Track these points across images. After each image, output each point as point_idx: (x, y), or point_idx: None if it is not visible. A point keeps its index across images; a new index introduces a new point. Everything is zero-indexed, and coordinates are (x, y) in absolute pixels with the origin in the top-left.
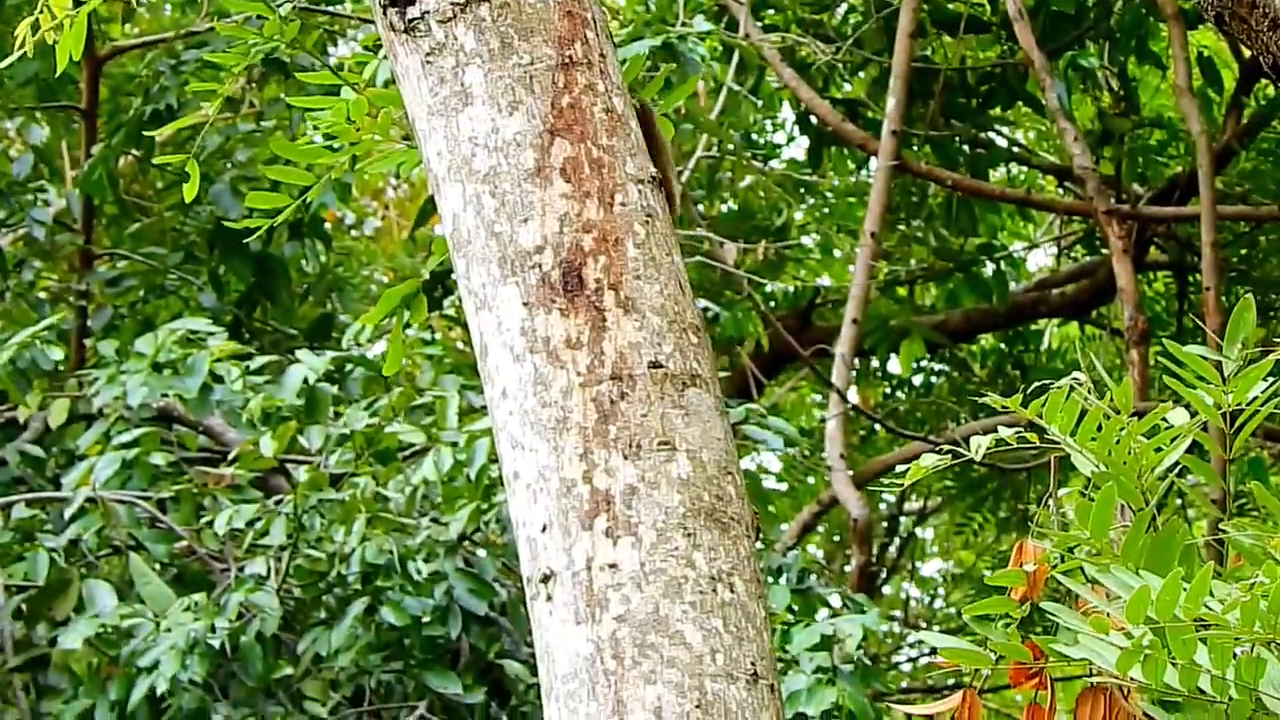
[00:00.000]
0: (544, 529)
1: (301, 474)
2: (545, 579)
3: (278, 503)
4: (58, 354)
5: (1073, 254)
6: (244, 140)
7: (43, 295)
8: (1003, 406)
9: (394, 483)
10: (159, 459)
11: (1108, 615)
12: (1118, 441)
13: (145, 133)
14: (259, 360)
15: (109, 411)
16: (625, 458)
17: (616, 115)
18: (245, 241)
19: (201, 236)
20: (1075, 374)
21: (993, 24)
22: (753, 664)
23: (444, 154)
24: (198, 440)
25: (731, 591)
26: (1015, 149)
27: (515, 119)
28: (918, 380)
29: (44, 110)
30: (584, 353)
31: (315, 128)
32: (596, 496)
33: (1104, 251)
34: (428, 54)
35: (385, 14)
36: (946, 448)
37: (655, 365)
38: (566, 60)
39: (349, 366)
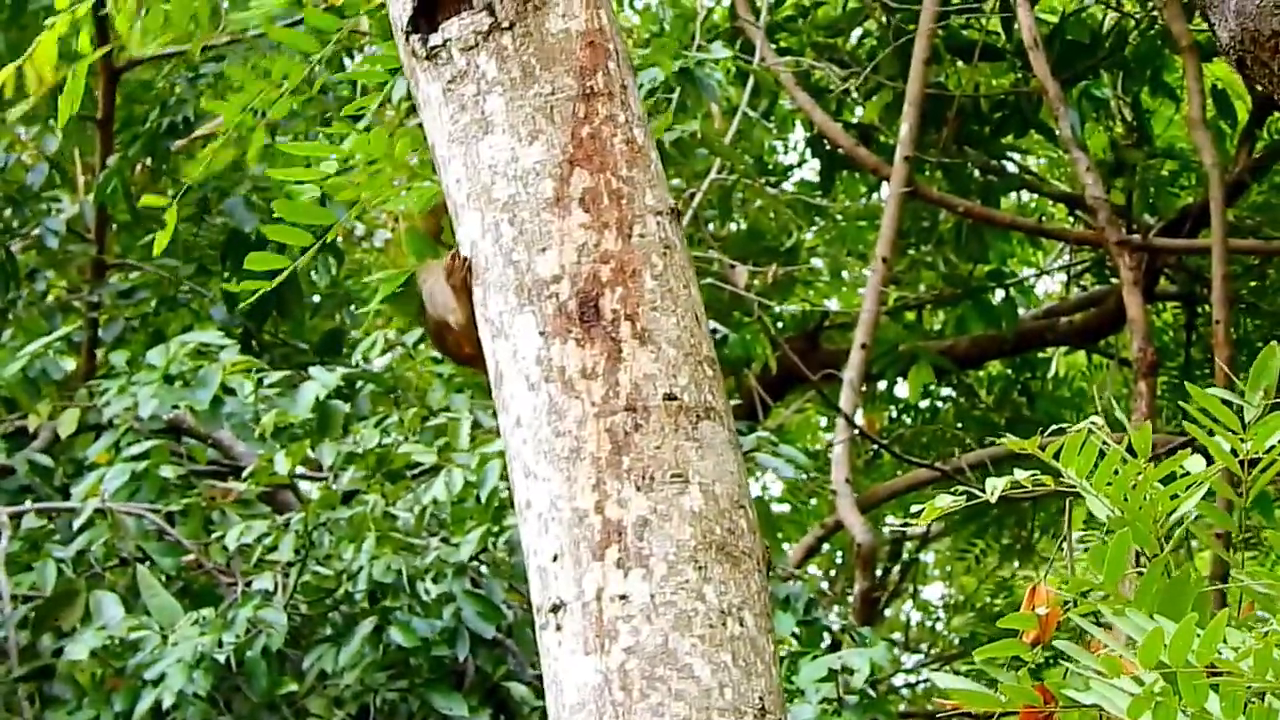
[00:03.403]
0: (555, 558)
1: (313, 491)
2: (555, 609)
3: (287, 520)
4: (69, 364)
5: (1081, 282)
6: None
7: (53, 304)
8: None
9: (403, 502)
10: (168, 471)
11: (1120, 658)
12: (1134, 486)
13: (160, 144)
14: (273, 375)
15: (119, 422)
16: (638, 489)
17: (637, 146)
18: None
19: (214, 248)
20: (1093, 417)
21: (1007, 52)
22: (760, 699)
23: (463, 181)
24: (206, 453)
25: (741, 626)
26: (1026, 176)
27: (535, 148)
28: (923, 405)
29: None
30: (599, 383)
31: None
32: (608, 527)
33: (1113, 281)
34: (449, 81)
35: (408, 40)
36: (962, 489)
37: (670, 397)
38: (588, 90)
39: (359, 383)
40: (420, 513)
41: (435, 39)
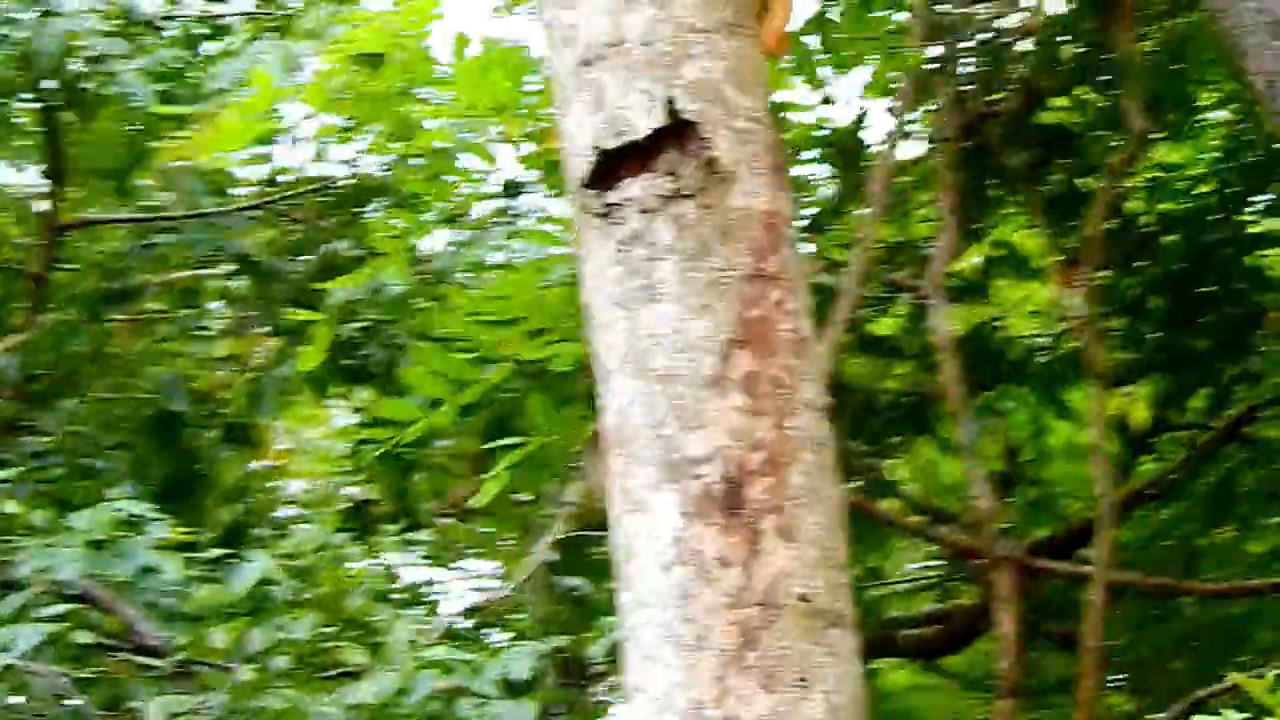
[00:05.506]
0: None
1: (242, 673)
2: None
3: (207, 702)
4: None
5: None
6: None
7: None
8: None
9: (326, 699)
10: (84, 638)
11: None
12: None
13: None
14: (213, 552)
15: (30, 582)
16: (761, 688)
17: (801, 336)
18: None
19: (134, 422)
20: None
21: (911, 352)
22: None
23: (618, 346)
24: (111, 624)
25: None
26: (895, 477)
27: (701, 323)
28: None
29: None
30: (735, 574)
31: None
32: None
33: (961, 597)
34: (621, 242)
35: (582, 193)
36: None
37: (804, 599)
38: (761, 273)
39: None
40: (344, 712)
41: (613, 197)
